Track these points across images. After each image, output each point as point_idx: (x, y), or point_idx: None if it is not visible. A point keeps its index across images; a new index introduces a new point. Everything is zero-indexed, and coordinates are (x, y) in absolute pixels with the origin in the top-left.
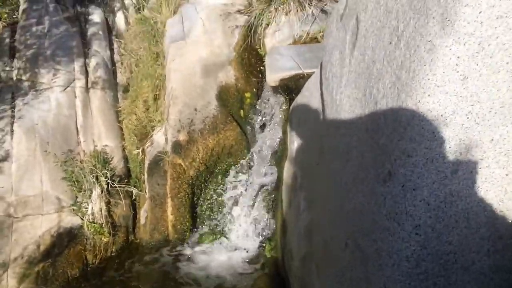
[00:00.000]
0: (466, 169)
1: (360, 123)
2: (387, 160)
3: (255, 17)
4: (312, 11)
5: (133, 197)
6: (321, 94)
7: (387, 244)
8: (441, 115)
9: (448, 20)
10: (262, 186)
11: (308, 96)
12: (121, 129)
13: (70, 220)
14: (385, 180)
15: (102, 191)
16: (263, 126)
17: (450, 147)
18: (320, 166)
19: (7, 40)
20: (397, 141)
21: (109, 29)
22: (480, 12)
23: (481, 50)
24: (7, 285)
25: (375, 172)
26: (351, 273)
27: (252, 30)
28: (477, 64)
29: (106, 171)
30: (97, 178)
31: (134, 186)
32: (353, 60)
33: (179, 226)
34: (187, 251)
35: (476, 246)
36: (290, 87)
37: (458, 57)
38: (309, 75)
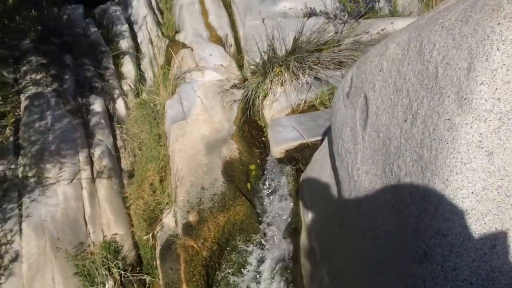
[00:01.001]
0: (504, 243)
1: (384, 200)
2: (421, 240)
3: (251, 91)
4: (306, 80)
5: (147, 286)
6: (333, 168)
7: None
8: (472, 192)
9: (465, 99)
10: (278, 260)
11: (318, 168)
12: (129, 215)
13: None
14: (421, 261)
15: (115, 283)
16: (272, 199)
17: (485, 223)
18: (341, 240)
19: (11, 139)
20: (429, 220)
21: (110, 116)
22: (496, 89)
23: (502, 125)
24: None
25: (409, 252)
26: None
27: (250, 103)
28: (500, 139)
29: (118, 262)
30: (109, 270)
31: (147, 273)
32: (367, 137)
33: None
34: None
35: None
36: (296, 157)
37: (481, 134)
38: (313, 144)
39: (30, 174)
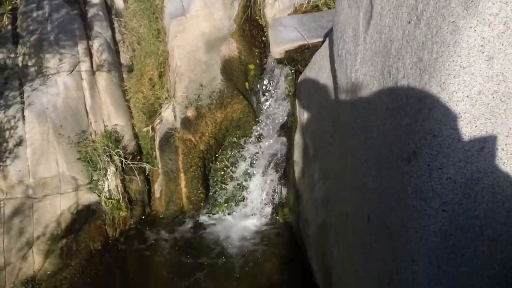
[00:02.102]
0: (492, 146)
1: (379, 101)
2: (411, 140)
3: None
4: None
5: (147, 173)
6: (332, 69)
7: (414, 221)
8: (467, 96)
9: (472, 1)
10: (272, 156)
11: (317, 69)
12: (129, 108)
13: (88, 198)
14: (409, 160)
15: (116, 169)
16: (269, 98)
17: (476, 126)
18: (335, 139)
19: (9, 27)
20: (422, 122)
21: (108, 9)
22: None
23: (506, 30)
24: (34, 261)
25: (399, 151)
26: (375, 245)
27: (252, 1)
28: (502, 44)
29: (119, 150)
30: (110, 157)
31: (147, 162)
32: (368, 38)
33: (193, 198)
34: (202, 221)
35: (503, 218)
36: (296, 59)
37: (483, 38)
38: (314, 46)
39: (30, 63)
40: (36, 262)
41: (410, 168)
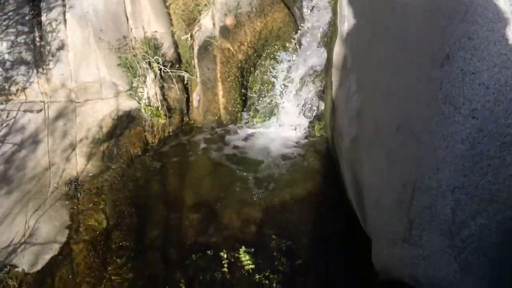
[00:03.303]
0: None
1: (418, 4)
2: (446, 43)
3: None
4: None
5: (185, 81)
6: None
7: (442, 128)
8: None
9: None
10: (311, 67)
11: None
12: (169, 14)
13: (128, 104)
14: (442, 64)
15: (155, 76)
16: (311, 7)
17: None
18: (373, 47)
19: None
20: (458, 23)
21: None
22: None
23: None
24: (76, 163)
25: (433, 56)
26: (402, 154)
27: None
28: None
29: (157, 57)
30: (149, 64)
31: (185, 71)
32: None
33: (230, 108)
34: (238, 131)
35: None
36: None
37: None
38: None
39: None
40: (78, 163)
41: (443, 73)
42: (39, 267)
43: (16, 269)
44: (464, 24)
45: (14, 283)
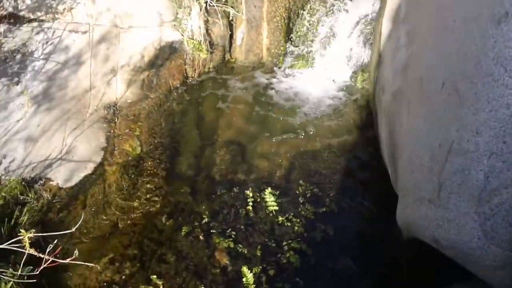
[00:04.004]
0: None
1: None
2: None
3: None
4: None
5: (230, 18)
6: None
7: (488, 90)
8: None
9: None
10: (361, 15)
11: None
12: None
13: (171, 34)
14: (499, 21)
15: (200, 9)
16: None
17: None
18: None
19: None
20: None
21: None
22: None
23: None
24: (117, 88)
25: (490, 12)
26: (443, 113)
27: None
28: None
29: None
30: None
31: (231, 7)
32: None
33: (273, 50)
34: (279, 74)
35: None
36: None
37: None
38: None
39: None
40: (118, 89)
41: (498, 31)
42: (72, 183)
43: (51, 183)
44: None
45: (48, 196)
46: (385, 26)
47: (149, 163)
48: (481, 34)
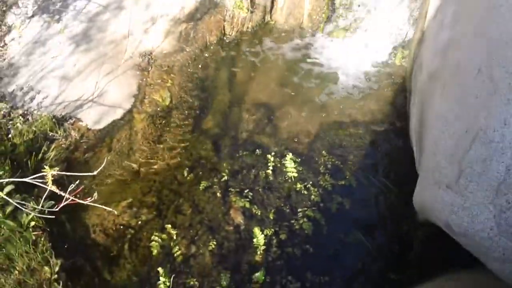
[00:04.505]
0: None
1: None
2: None
3: None
4: None
5: None
6: None
7: None
8: None
9: None
10: None
11: None
12: None
13: None
14: None
15: None
16: None
17: None
18: None
19: None
20: None
21: None
22: None
23: None
24: (154, 37)
25: None
26: (474, 99)
27: None
28: None
29: None
30: None
31: None
32: None
33: (314, 16)
34: (318, 42)
35: None
36: None
37: None
38: None
39: None
40: (156, 39)
41: None
42: (101, 126)
43: (80, 123)
44: None
45: (76, 135)
46: (432, 4)
47: (177, 115)
48: None
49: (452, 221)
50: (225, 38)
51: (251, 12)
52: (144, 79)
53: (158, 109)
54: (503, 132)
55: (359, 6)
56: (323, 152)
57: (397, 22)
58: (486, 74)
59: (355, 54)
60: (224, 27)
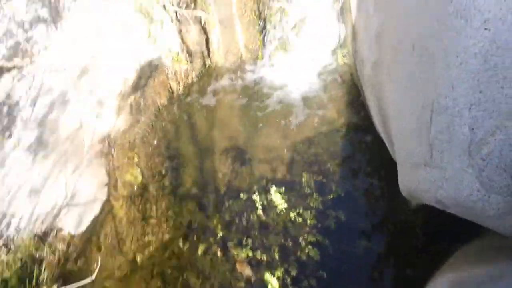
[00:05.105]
0: None
1: None
2: None
3: None
4: None
5: (203, 22)
6: None
7: (454, 43)
8: None
9: None
10: None
11: None
12: None
13: (149, 52)
14: None
15: (171, 20)
16: None
17: None
18: None
19: None
20: None
21: None
22: None
23: None
24: (107, 119)
25: None
26: (419, 75)
27: None
28: None
29: None
30: (164, 7)
31: (202, 10)
32: None
33: (250, 46)
34: (261, 68)
35: None
36: None
37: None
38: None
39: None
40: (108, 120)
41: None
42: (83, 227)
43: (63, 232)
44: None
45: (62, 246)
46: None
47: (154, 187)
48: None
49: (441, 196)
50: (174, 95)
51: (191, 62)
52: (111, 164)
53: (134, 188)
54: (454, 96)
55: (287, 22)
56: (303, 173)
57: (327, 24)
58: (421, 48)
59: (299, 67)
60: (170, 85)
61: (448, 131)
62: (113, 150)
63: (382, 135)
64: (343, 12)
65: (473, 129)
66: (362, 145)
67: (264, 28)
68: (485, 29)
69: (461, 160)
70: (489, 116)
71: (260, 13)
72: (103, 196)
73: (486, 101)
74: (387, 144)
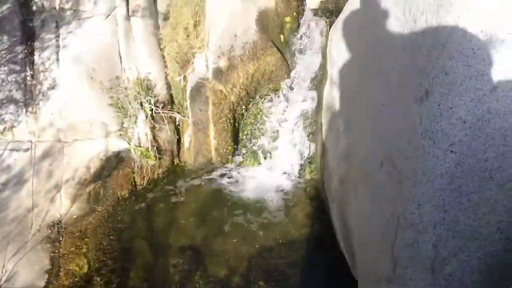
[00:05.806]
0: (506, 87)
1: (399, 42)
2: (425, 79)
3: None
4: None
5: (177, 123)
6: (362, 13)
7: (422, 163)
8: (481, 31)
9: None
10: (302, 110)
11: (349, 15)
12: (163, 56)
13: (117, 144)
14: (422, 100)
15: (146, 117)
16: (303, 52)
17: (489, 64)
18: (360, 89)
19: None
20: (435, 59)
21: None
22: None
23: None
24: (61, 204)
25: (412, 92)
26: (386, 190)
27: None
28: None
29: (150, 98)
30: (141, 105)
31: (177, 112)
32: None
33: (221, 150)
34: (229, 174)
35: None
36: (331, 9)
37: None
38: None
39: (67, 6)
40: (63, 205)
41: (422, 109)
42: None
43: None
44: (441, 60)
45: None
46: (325, 117)
47: (98, 281)
48: (408, 112)
49: None
50: (137, 189)
51: (159, 158)
52: (56, 251)
53: (77, 279)
54: (420, 213)
55: (260, 134)
56: (260, 282)
57: (298, 141)
58: (389, 165)
59: (267, 178)
60: (134, 178)
61: (413, 247)
62: (61, 237)
63: (344, 248)
64: (313, 129)
65: (436, 247)
66: (323, 257)
67: (237, 135)
68: (452, 151)
69: (424, 277)
70: (452, 236)
71: (235, 122)
72: (41, 284)
73: (450, 221)
74: (347, 260)
